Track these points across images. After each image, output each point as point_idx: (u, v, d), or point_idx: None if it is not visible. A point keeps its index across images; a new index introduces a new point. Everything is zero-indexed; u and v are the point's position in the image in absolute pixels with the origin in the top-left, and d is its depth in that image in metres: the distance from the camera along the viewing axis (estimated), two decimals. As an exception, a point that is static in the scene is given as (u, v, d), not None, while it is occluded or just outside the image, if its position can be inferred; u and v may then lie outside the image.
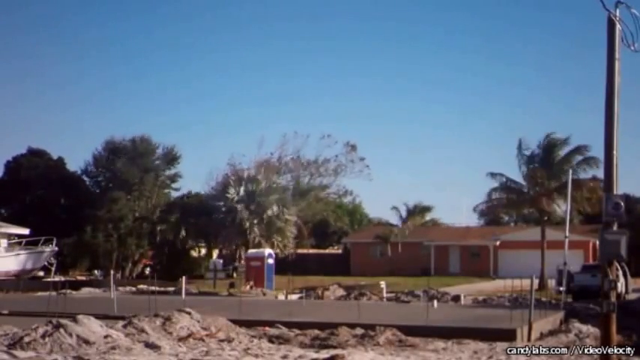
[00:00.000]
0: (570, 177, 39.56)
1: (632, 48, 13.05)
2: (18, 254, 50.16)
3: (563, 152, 48.64)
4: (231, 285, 43.15)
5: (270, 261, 43.96)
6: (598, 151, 45.72)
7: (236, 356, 16.21)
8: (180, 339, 18.63)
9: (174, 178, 63.84)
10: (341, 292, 37.94)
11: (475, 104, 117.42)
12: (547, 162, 48.32)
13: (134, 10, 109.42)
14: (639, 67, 72.62)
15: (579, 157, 47.74)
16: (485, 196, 51.19)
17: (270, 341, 19.32)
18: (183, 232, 57.85)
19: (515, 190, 50.02)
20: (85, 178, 62.28)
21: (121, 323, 19.70)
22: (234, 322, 21.35)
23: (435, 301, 29.43)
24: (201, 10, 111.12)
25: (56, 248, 51.65)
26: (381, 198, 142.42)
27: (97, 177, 61.68)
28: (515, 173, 49.66)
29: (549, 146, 48.57)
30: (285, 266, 51.07)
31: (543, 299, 30.60)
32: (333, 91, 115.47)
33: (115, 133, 76.96)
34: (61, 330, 16.92)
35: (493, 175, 49.29)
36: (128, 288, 42.04)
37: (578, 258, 49.10)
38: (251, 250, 48.56)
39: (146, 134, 61.82)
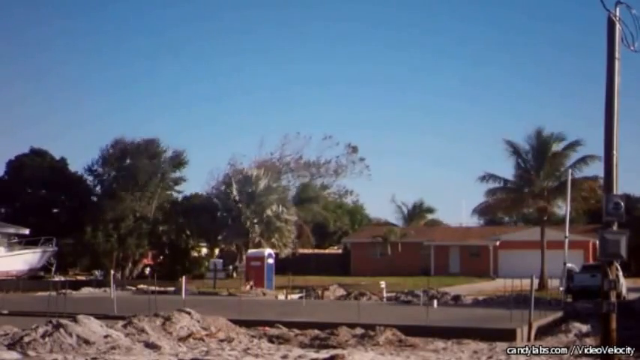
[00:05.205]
0: (570, 177, 39.56)
1: (632, 48, 13.06)
2: (18, 254, 50.17)
3: (556, 149, 48.52)
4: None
5: (270, 261, 43.99)
6: (595, 152, 45.92)
7: (236, 356, 16.20)
8: (180, 339, 18.62)
9: (178, 181, 63.66)
10: (341, 292, 37.93)
11: (475, 105, 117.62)
12: (541, 160, 48.17)
13: (138, 12, 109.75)
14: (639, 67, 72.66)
15: (575, 155, 47.80)
16: (482, 197, 51.27)
17: (270, 341, 19.32)
18: (183, 232, 57.79)
19: (511, 190, 49.93)
20: (89, 177, 62.12)
21: (121, 323, 19.68)
22: (234, 322, 21.34)
23: (435, 301, 29.41)
24: (205, 14, 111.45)
25: (56, 248, 51.66)
26: (381, 198, 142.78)
27: (102, 175, 61.53)
28: (510, 173, 49.87)
29: (542, 144, 48.37)
30: (285, 266, 51.10)
31: (546, 298, 30.63)
32: (335, 94, 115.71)
33: (117, 133, 76.97)
34: (61, 330, 16.90)
35: (485, 177, 49.19)
36: (128, 288, 42.01)
37: (578, 258, 49.04)
38: (251, 250, 48.58)
39: (154, 136, 61.64)
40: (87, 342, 16.68)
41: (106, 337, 17.21)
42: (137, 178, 57.66)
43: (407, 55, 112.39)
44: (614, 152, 13.30)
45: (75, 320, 17.68)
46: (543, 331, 22.06)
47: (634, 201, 63.27)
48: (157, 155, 60.29)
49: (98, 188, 61.46)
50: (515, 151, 48.66)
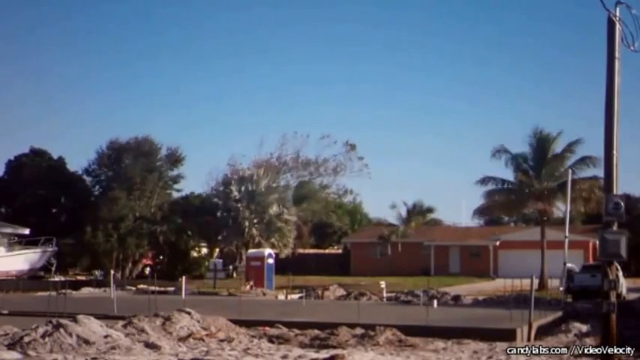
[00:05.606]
0: (570, 177, 39.54)
1: (632, 48, 13.07)
2: (18, 254, 50.16)
3: (557, 149, 48.45)
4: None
5: (270, 261, 43.97)
6: (595, 152, 45.88)
7: (236, 356, 16.20)
8: (180, 339, 18.63)
9: (176, 180, 63.69)
10: (341, 292, 37.92)
11: (475, 106, 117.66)
12: (539, 162, 48.07)
13: (136, 12, 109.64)
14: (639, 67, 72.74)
15: (575, 155, 47.70)
16: (481, 199, 51.12)
17: (270, 341, 19.32)
18: (184, 232, 57.78)
19: (511, 192, 49.80)
20: (86, 178, 62.13)
21: (121, 323, 19.68)
22: (234, 322, 21.34)
23: (435, 301, 29.41)
24: (205, 14, 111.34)
25: (56, 248, 51.63)
26: (381, 198, 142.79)
27: (99, 176, 61.54)
28: (510, 175, 49.78)
29: (541, 145, 48.24)
30: (285, 266, 51.08)
31: (546, 298, 30.60)
32: (335, 94, 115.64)
33: (117, 133, 76.97)
34: (61, 330, 16.90)
35: (485, 180, 49.05)
36: (128, 288, 42.00)
37: (578, 258, 49.02)
38: (251, 250, 48.56)
39: (149, 134, 61.76)
40: (87, 342, 16.68)
41: (106, 337, 17.22)
42: (133, 177, 57.65)
43: (407, 55, 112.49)
44: (614, 152, 13.30)
45: (75, 320, 17.68)
46: (543, 331, 22.06)
47: (634, 201, 63.28)
48: (153, 153, 60.31)
49: (96, 188, 61.51)
50: (512, 156, 48.54)
